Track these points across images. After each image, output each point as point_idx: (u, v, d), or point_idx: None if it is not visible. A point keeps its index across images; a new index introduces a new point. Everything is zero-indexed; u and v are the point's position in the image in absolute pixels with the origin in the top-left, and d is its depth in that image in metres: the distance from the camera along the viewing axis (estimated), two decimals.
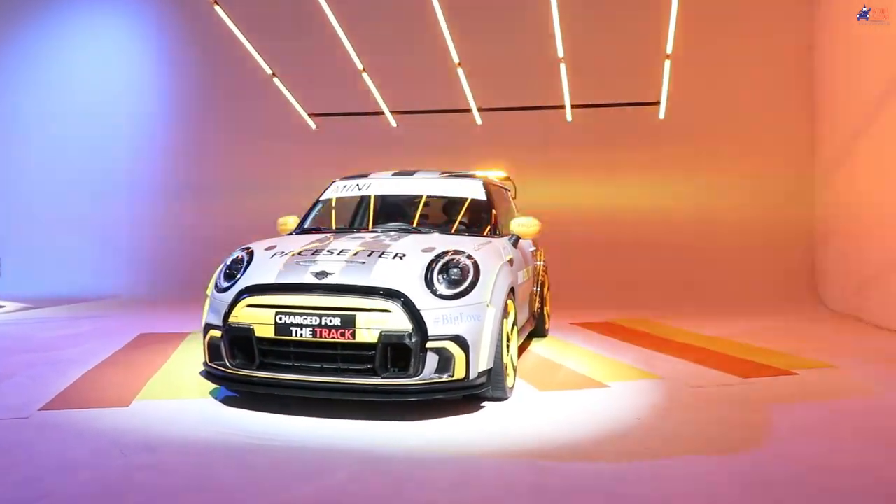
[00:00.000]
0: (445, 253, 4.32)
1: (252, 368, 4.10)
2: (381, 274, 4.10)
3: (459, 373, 4.00)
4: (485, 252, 4.54)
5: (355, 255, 4.33)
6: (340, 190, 5.87)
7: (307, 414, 4.05)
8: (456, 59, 8.71)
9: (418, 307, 3.97)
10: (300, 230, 5.52)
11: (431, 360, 3.95)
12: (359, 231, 5.25)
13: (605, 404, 4.42)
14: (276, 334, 4.02)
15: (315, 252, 4.42)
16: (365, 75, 9.32)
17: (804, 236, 10.20)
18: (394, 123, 10.09)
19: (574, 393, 4.73)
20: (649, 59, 9.18)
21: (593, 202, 10.79)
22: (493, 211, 5.61)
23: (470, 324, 4.06)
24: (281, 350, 4.06)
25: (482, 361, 4.11)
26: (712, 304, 9.31)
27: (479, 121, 9.84)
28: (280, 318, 4.01)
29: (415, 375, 3.93)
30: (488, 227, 5.47)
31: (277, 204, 10.18)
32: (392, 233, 5.02)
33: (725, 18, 10.47)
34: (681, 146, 10.57)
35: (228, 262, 4.56)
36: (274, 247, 4.62)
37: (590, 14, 10.12)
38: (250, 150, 11.43)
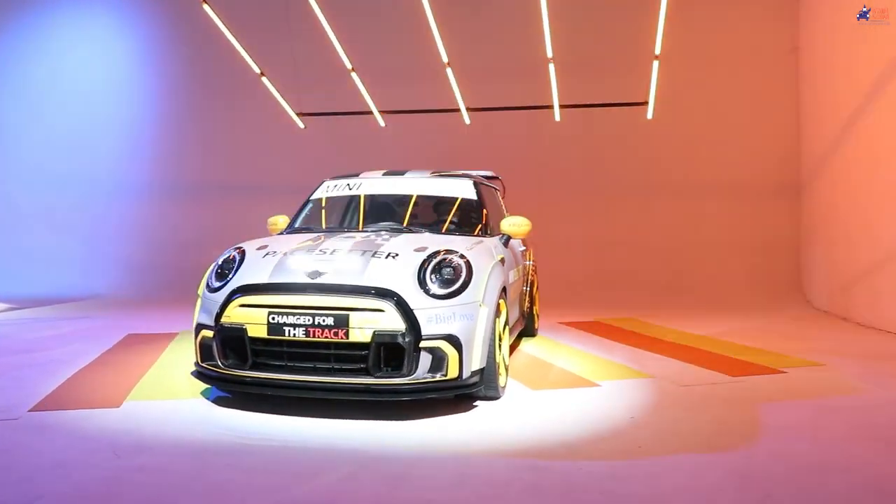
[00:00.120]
0: (438, 252, 4.32)
1: (245, 368, 4.09)
2: (374, 273, 4.10)
3: (453, 372, 4.01)
4: (477, 251, 4.55)
5: (348, 254, 4.32)
6: (331, 189, 5.86)
7: (300, 414, 4.04)
8: (445, 59, 8.71)
9: (411, 306, 3.97)
10: (291, 230, 5.51)
11: (425, 360, 3.96)
12: (350, 231, 5.25)
13: (597, 403, 4.44)
14: (268, 334, 4.01)
15: (307, 251, 4.41)
16: (354, 75, 9.29)
17: (790, 236, 10.29)
18: (382, 123, 10.07)
19: (566, 392, 4.75)
20: (638, 59, 9.22)
21: (580, 202, 10.83)
22: (484, 210, 5.63)
23: (463, 323, 4.07)
24: (274, 350, 4.05)
25: (475, 361, 4.12)
26: (698, 303, 9.37)
27: (467, 121, 9.85)
28: (273, 318, 4.00)
29: (408, 375, 3.94)
30: (479, 227, 5.48)
31: (264, 204, 10.15)
32: (383, 232, 5.02)
33: (712, 20, 10.56)
34: (668, 146, 10.64)
35: (220, 262, 4.54)
36: (266, 246, 4.61)
37: (579, 15, 10.17)
38: (237, 150, 11.41)
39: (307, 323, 3.95)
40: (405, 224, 5.39)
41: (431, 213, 5.84)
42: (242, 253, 4.54)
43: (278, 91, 9.64)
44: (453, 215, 5.61)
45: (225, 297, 4.19)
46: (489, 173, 7.00)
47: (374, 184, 5.84)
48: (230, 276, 4.35)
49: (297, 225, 5.62)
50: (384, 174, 5.97)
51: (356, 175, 5.98)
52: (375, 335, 3.89)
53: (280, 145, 11.17)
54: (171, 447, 3.54)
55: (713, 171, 10.61)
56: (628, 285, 10.31)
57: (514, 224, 5.41)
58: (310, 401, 4.14)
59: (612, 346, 6.52)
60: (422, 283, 4.11)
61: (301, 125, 10.11)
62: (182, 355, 5.85)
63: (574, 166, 10.84)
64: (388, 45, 10.70)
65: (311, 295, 4.01)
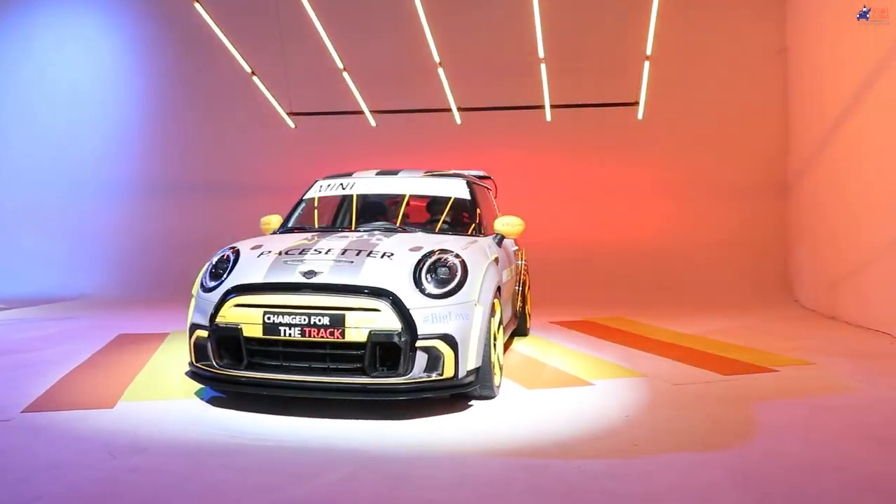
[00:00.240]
0: (433, 252, 4.32)
1: (240, 368, 4.07)
2: (369, 273, 4.10)
3: (448, 371, 4.01)
4: (472, 251, 4.55)
5: (343, 254, 4.31)
6: (324, 189, 5.85)
7: (296, 414, 4.03)
8: (437, 59, 8.71)
9: (407, 306, 3.97)
10: (284, 229, 5.49)
11: (421, 359, 3.96)
12: (343, 230, 5.24)
13: (591, 402, 4.45)
14: (264, 334, 4.00)
15: (302, 251, 4.40)
16: (345, 74, 9.28)
17: (778, 235, 10.37)
18: (373, 123, 10.06)
19: (560, 391, 4.76)
20: (629, 59, 9.26)
21: (570, 201, 10.86)
22: (478, 210, 5.64)
23: (459, 322, 4.07)
24: (269, 350, 4.04)
25: (471, 360, 4.12)
26: (687, 302, 9.42)
27: (458, 120, 9.86)
28: (268, 318, 3.99)
29: (404, 374, 3.94)
30: (472, 227, 5.49)
31: (254, 203, 10.10)
32: (377, 232, 5.01)
33: (701, 21, 10.61)
34: (658, 146, 10.69)
35: (214, 262, 4.52)
36: (260, 246, 4.59)
37: (570, 15, 10.18)
38: (227, 149, 11.35)
39: (303, 323, 3.94)
40: (398, 224, 5.39)
41: (425, 213, 5.86)
42: (237, 253, 4.52)
43: (269, 90, 9.61)
44: (447, 215, 5.61)
45: (220, 296, 4.17)
46: (481, 173, 7.02)
47: (367, 183, 5.83)
48: (224, 275, 4.33)
49: (290, 225, 5.60)
50: (377, 174, 5.96)
51: (349, 175, 5.97)
52: (371, 335, 3.89)
53: (271, 145, 11.13)
54: (166, 448, 3.52)
55: (702, 171, 10.67)
56: (617, 284, 10.35)
57: (508, 224, 5.42)
58: (305, 401, 4.14)
59: (603, 345, 6.54)
60: (417, 282, 4.11)
61: (291, 125, 10.09)
62: (174, 355, 5.82)
63: (564, 166, 10.87)
64: (380, 45, 10.67)
65: (307, 294, 4.00)
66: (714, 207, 10.65)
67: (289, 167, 10.73)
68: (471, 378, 4.14)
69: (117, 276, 10.97)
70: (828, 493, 2.95)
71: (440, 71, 8.94)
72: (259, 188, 10.85)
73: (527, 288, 7.03)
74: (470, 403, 4.32)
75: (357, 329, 3.90)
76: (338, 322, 3.91)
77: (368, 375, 3.92)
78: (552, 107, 9.42)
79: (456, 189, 5.73)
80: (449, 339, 4.00)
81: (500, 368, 4.75)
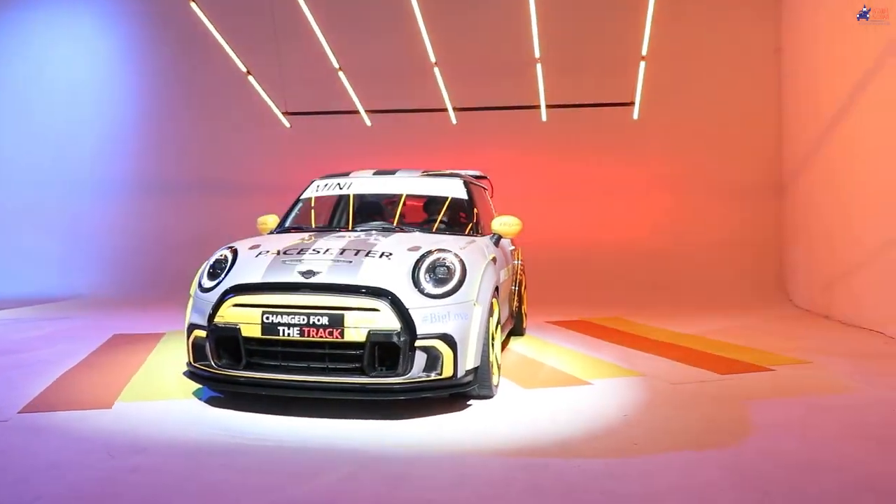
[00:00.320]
0: (432, 252, 4.32)
1: (238, 368, 4.07)
2: (368, 273, 4.10)
3: (447, 371, 4.01)
4: (470, 251, 4.56)
5: (341, 253, 4.31)
6: (321, 189, 5.84)
7: (295, 414, 4.03)
8: (433, 59, 8.71)
9: (406, 306, 3.97)
10: (281, 229, 5.49)
11: (420, 359, 3.96)
12: (340, 230, 5.23)
13: (589, 401, 4.46)
14: (263, 334, 3.99)
15: (300, 251, 4.40)
16: (341, 74, 9.27)
17: (772, 235, 10.40)
18: (368, 123, 10.06)
19: (558, 390, 4.77)
20: (625, 60, 9.28)
21: (566, 201, 10.87)
22: (475, 210, 5.64)
23: (458, 322, 4.08)
24: (268, 350, 4.03)
25: (469, 360, 4.13)
26: (683, 302, 9.43)
27: (454, 120, 9.86)
28: (267, 318, 3.99)
29: (403, 374, 3.94)
30: (470, 226, 5.50)
31: (249, 203, 10.11)
32: (374, 232, 5.01)
33: (696, 21, 10.63)
34: (653, 146, 10.72)
35: (212, 262, 4.52)
36: (258, 246, 4.59)
37: (566, 15, 10.19)
38: (222, 149, 11.33)
39: (302, 322, 3.93)
40: (395, 223, 5.39)
41: (422, 213, 5.85)
42: (234, 252, 4.51)
43: (264, 90, 9.60)
44: (444, 215, 5.61)
45: (218, 296, 4.17)
46: (478, 173, 7.02)
47: (364, 183, 5.82)
48: (222, 275, 4.33)
49: (287, 224, 5.60)
50: (374, 173, 5.96)
51: (346, 174, 5.96)
52: (370, 334, 3.89)
53: (266, 144, 11.12)
54: (166, 448, 3.51)
55: (697, 171, 10.70)
56: (612, 284, 10.36)
57: (506, 223, 5.43)
58: (304, 401, 4.14)
59: (600, 344, 6.55)
60: (416, 282, 4.11)
61: (287, 124, 10.08)
62: (171, 355, 5.81)
63: (560, 166, 10.88)
64: (376, 45, 10.67)
65: (306, 294, 4.00)
66: (709, 207, 10.68)
67: (284, 167, 10.72)
68: (469, 378, 4.14)
69: (112, 275, 10.94)
70: (827, 493, 2.96)
71: (436, 71, 8.94)
72: (254, 188, 10.84)
73: (523, 288, 7.04)
74: (468, 403, 4.32)
75: (356, 329, 3.90)
76: (337, 322, 3.91)
77: (367, 375, 3.92)
78: (548, 107, 9.43)
79: (453, 189, 5.73)
80: (448, 339, 4.01)
81: (498, 368, 4.76)
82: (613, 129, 10.53)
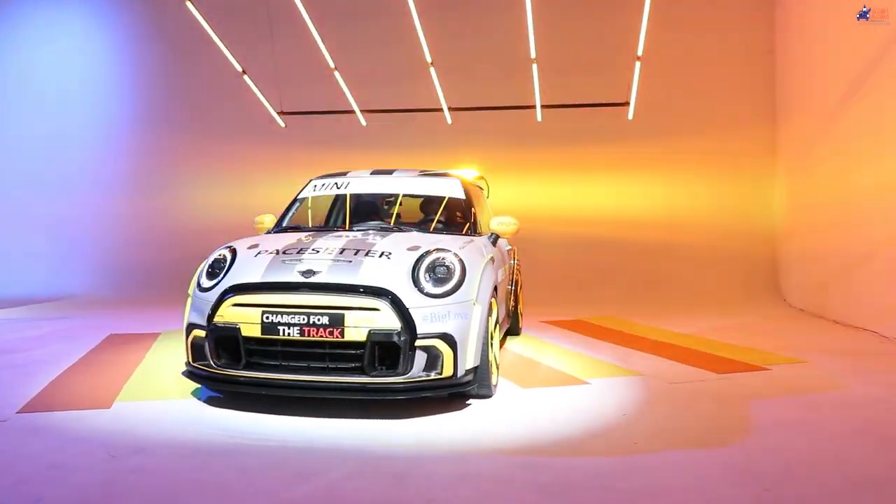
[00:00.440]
0: (431, 251, 4.32)
1: (238, 368, 4.06)
2: (368, 272, 4.10)
3: (448, 371, 4.02)
4: (469, 250, 4.56)
5: (341, 253, 4.31)
6: (318, 189, 5.83)
7: (295, 414, 4.02)
8: (428, 59, 8.71)
9: (407, 305, 3.97)
10: (279, 229, 5.48)
11: (420, 358, 3.96)
12: (338, 230, 5.22)
13: (588, 401, 4.47)
14: (262, 333, 3.99)
15: (300, 251, 4.39)
16: (337, 74, 9.26)
17: (767, 235, 10.44)
18: (363, 122, 10.05)
19: (556, 390, 4.78)
20: (619, 60, 9.31)
21: (560, 201, 10.89)
22: (473, 209, 5.65)
23: (457, 322, 4.08)
24: (268, 349, 4.03)
25: (469, 359, 4.13)
26: (677, 301, 9.47)
27: (449, 120, 9.86)
28: (267, 318, 3.98)
29: (404, 374, 3.94)
30: (467, 226, 5.50)
31: (244, 203, 10.13)
32: (371, 232, 5.01)
33: (691, 22, 10.66)
34: (648, 146, 10.74)
35: (210, 261, 4.51)
36: (256, 245, 4.58)
37: (561, 15, 10.21)
38: (217, 148, 11.30)
39: (302, 322, 3.93)
40: (393, 223, 5.38)
41: (419, 213, 5.86)
42: (233, 252, 4.50)
43: (260, 90, 9.58)
44: (441, 214, 5.61)
45: (217, 296, 4.16)
46: (475, 172, 7.03)
47: (361, 183, 5.82)
48: (221, 275, 4.32)
49: (284, 224, 5.59)
50: (372, 173, 5.95)
51: (343, 174, 5.95)
52: (371, 334, 3.89)
53: (261, 144, 11.09)
54: (167, 448, 3.50)
55: (691, 171, 10.73)
56: (606, 284, 10.39)
57: (503, 223, 5.44)
58: (303, 400, 4.13)
59: (596, 344, 6.57)
60: (416, 281, 4.11)
61: (282, 124, 10.06)
62: (167, 355, 5.80)
63: (554, 166, 10.89)
64: (371, 45, 10.66)
65: (306, 294, 4.00)
66: (703, 207, 10.71)
67: (279, 166, 10.71)
68: (469, 377, 4.14)
69: (106, 275, 10.90)
70: (828, 490, 2.98)
71: (432, 70, 8.94)
72: (249, 187, 10.83)
73: (519, 287, 7.05)
74: (468, 402, 4.33)
75: (356, 328, 3.90)
76: (337, 321, 3.91)
77: (368, 375, 3.92)
78: (543, 107, 9.45)
79: (450, 189, 5.73)
80: (448, 339, 4.01)
81: (497, 367, 4.77)
82: (608, 129, 10.55)
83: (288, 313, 3.96)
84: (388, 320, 3.92)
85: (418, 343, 3.95)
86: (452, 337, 4.03)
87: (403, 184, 5.78)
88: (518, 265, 7.08)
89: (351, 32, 10.54)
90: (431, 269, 4.20)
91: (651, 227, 10.75)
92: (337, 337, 3.91)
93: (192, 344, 4.29)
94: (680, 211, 10.75)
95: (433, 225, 5.46)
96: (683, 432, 3.79)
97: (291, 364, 4.00)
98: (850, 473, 3.16)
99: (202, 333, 4.19)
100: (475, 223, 5.56)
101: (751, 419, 4.01)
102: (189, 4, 8.17)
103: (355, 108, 9.72)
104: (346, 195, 5.82)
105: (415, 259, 4.24)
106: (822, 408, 4.25)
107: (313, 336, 3.92)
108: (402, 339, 3.91)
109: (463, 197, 5.69)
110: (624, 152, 10.78)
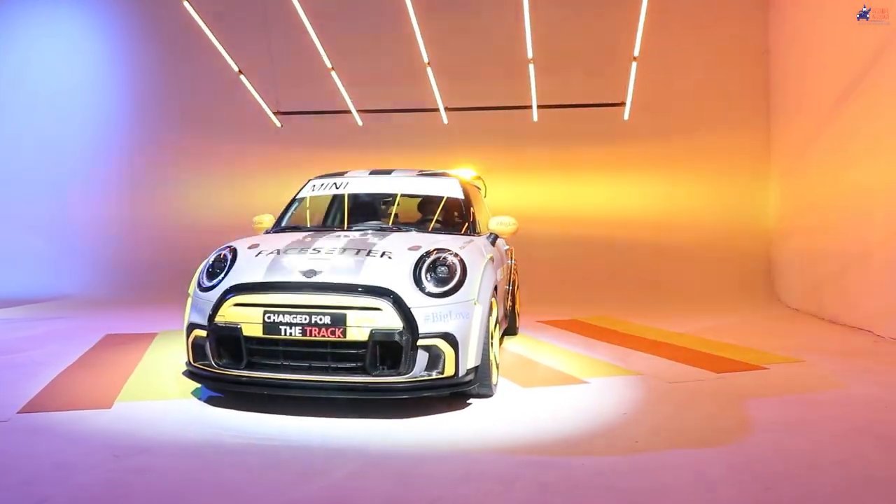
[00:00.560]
0: (432, 251, 4.34)
1: (239, 368, 4.06)
2: (370, 272, 4.11)
3: (449, 370, 4.03)
4: (469, 250, 4.58)
5: (342, 253, 4.32)
6: (317, 189, 5.84)
7: (297, 413, 4.02)
8: (425, 59, 8.72)
9: (408, 305, 3.98)
10: (278, 228, 5.48)
11: (422, 358, 3.98)
12: (338, 230, 5.23)
13: (588, 400, 4.49)
14: (264, 333, 3.99)
15: (301, 250, 4.40)
16: (333, 74, 9.26)
17: (761, 235, 10.49)
18: (359, 122, 10.05)
19: (556, 389, 4.80)
20: (616, 61, 9.33)
21: (556, 201, 10.91)
22: (472, 209, 5.66)
23: (459, 321, 4.09)
24: (269, 349, 4.03)
25: (471, 358, 4.14)
26: (672, 301, 9.49)
27: (445, 120, 9.87)
28: (269, 317, 3.98)
29: (405, 373, 3.95)
30: (466, 226, 5.52)
31: (240, 203, 10.11)
32: (370, 231, 5.01)
33: (686, 22, 10.69)
34: (644, 147, 10.77)
35: (211, 261, 4.51)
36: (257, 245, 4.59)
37: (558, 16, 10.23)
38: (213, 148, 11.27)
39: (304, 322, 3.94)
40: (391, 223, 5.39)
41: (418, 212, 5.87)
42: (234, 252, 4.50)
43: (256, 90, 9.57)
44: (440, 214, 5.63)
45: (218, 296, 4.16)
46: (473, 172, 7.05)
47: (360, 183, 5.83)
48: (222, 275, 4.32)
49: (283, 224, 5.59)
50: (370, 173, 5.96)
51: (342, 174, 5.96)
52: (373, 334, 3.90)
53: (257, 144, 11.07)
54: (171, 448, 3.51)
55: (687, 171, 10.77)
56: (602, 284, 10.41)
57: (503, 223, 5.46)
58: (304, 400, 4.14)
59: (594, 343, 6.59)
60: (417, 281, 4.12)
61: (278, 124, 10.05)
62: (165, 355, 5.79)
63: (550, 166, 10.91)
64: (368, 45, 10.66)
65: (308, 294, 4.00)
66: (699, 208, 10.75)
67: (275, 166, 10.70)
68: (470, 376, 4.16)
69: (101, 275, 10.86)
70: (830, 488, 3.00)
71: (429, 71, 8.94)
72: (245, 188, 10.81)
73: (516, 287, 7.07)
74: (468, 402, 4.34)
75: (358, 328, 3.91)
76: (339, 321, 3.91)
77: (370, 374, 3.93)
78: (539, 107, 9.47)
79: (449, 188, 5.75)
80: (449, 338, 4.02)
81: (497, 367, 4.78)
82: (604, 129, 10.59)
83: (290, 313, 3.96)
84: (390, 320, 3.93)
85: (420, 343, 3.96)
86: (454, 336, 4.04)
87: (402, 184, 5.80)
88: (515, 265, 7.09)
89: (348, 32, 10.54)
90: (433, 268, 4.21)
91: (646, 227, 10.78)
92: (339, 336, 3.91)
93: (193, 344, 4.28)
94: (675, 211, 10.79)
95: (432, 225, 5.47)
96: (684, 431, 3.81)
97: (293, 364, 4.01)
98: (851, 472, 3.19)
99: (203, 333, 4.19)
100: (474, 223, 5.57)
101: (750, 418, 4.04)
102: (186, 4, 8.14)
103: (351, 108, 9.73)
104: (344, 195, 5.83)
105: (416, 259, 4.26)
106: (821, 407, 4.27)
107: (315, 336, 3.92)
108: (404, 338, 3.92)
109: (462, 197, 5.71)
110: (619, 152, 10.81)
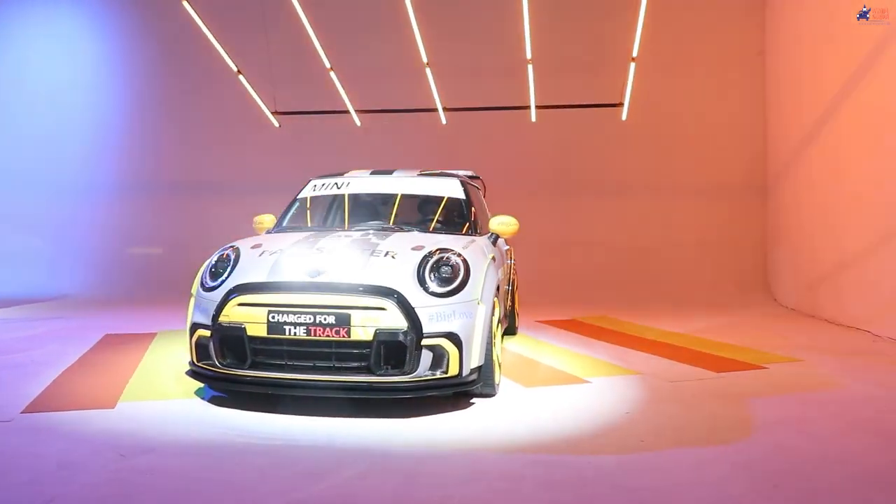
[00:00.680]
0: (435, 251, 4.35)
1: (243, 368, 4.06)
2: (374, 272, 4.11)
3: (453, 370, 4.04)
4: (472, 250, 4.59)
5: (346, 253, 4.33)
6: (318, 189, 5.85)
7: (301, 413, 4.03)
8: (424, 59, 8.72)
9: (413, 305, 3.99)
10: (279, 229, 5.48)
11: (426, 358, 3.99)
12: (340, 230, 5.23)
13: (590, 399, 4.50)
14: (268, 333, 3.99)
15: (304, 251, 4.40)
16: (332, 74, 9.26)
17: (758, 235, 10.54)
18: (358, 123, 10.05)
19: (558, 388, 4.81)
20: (614, 61, 9.35)
21: (553, 201, 10.93)
22: (472, 209, 5.67)
23: (462, 321, 4.10)
24: (274, 349, 4.03)
25: (474, 358, 4.15)
26: (669, 301, 9.52)
27: (444, 120, 9.88)
28: (273, 317, 3.99)
29: (409, 373, 3.96)
30: (467, 226, 5.52)
31: (238, 203, 10.09)
32: (372, 232, 5.02)
33: (684, 24, 10.73)
34: (642, 147, 10.81)
35: (214, 261, 4.51)
36: (260, 245, 4.59)
37: (557, 17, 10.25)
38: (212, 149, 11.26)
39: (308, 322, 3.94)
40: (393, 223, 5.40)
41: (419, 213, 5.87)
42: (237, 252, 4.50)
43: (254, 89, 9.56)
44: (441, 214, 5.64)
45: (222, 296, 4.16)
46: (471, 173, 7.06)
47: (361, 183, 5.84)
48: (225, 275, 4.32)
49: (284, 224, 5.60)
50: (371, 173, 5.97)
51: (343, 174, 5.97)
52: (377, 333, 3.91)
53: (256, 144, 11.07)
54: (176, 447, 3.51)
55: (684, 171, 10.81)
56: (599, 284, 10.44)
57: (504, 223, 5.47)
58: (308, 400, 4.14)
59: (593, 343, 6.61)
60: (421, 281, 4.13)
61: (276, 124, 10.04)
62: (166, 355, 5.79)
63: (548, 167, 10.94)
64: (367, 45, 10.67)
65: (313, 294, 4.00)
66: (695, 208, 10.79)
67: (274, 167, 10.70)
68: (474, 376, 4.17)
69: (100, 276, 10.84)
70: (835, 485, 3.02)
71: (428, 71, 8.95)
72: (243, 188, 10.80)
73: (515, 287, 7.09)
74: (471, 401, 4.35)
75: (363, 328, 3.92)
76: (344, 321, 3.92)
77: (374, 374, 3.93)
78: (537, 107, 9.48)
79: (450, 189, 5.76)
80: (454, 338, 4.03)
81: (500, 366, 4.79)
82: (602, 130, 10.62)
83: (294, 313, 3.96)
84: (394, 320, 3.94)
85: (424, 342, 3.97)
86: (458, 336, 4.05)
87: (403, 184, 5.81)
88: (514, 265, 7.11)
89: (346, 32, 10.54)
90: (436, 268, 4.22)
91: (643, 227, 10.82)
92: (343, 336, 3.92)
93: (197, 343, 4.28)
94: (672, 211, 10.83)
95: (433, 225, 5.49)
96: (689, 430, 3.83)
97: (297, 363, 4.01)
98: (855, 470, 3.21)
99: (207, 333, 4.19)
100: (475, 223, 5.58)
101: (753, 417, 4.06)
102: (185, 4, 8.13)
103: (350, 108, 9.72)
104: (345, 195, 5.83)
105: (420, 259, 4.26)
106: (821, 405, 4.30)
107: (320, 335, 3.93)
108: (408, 338, 3.93)
109: (463, 197, 5.72)
110: (618, 153, 10.84)
